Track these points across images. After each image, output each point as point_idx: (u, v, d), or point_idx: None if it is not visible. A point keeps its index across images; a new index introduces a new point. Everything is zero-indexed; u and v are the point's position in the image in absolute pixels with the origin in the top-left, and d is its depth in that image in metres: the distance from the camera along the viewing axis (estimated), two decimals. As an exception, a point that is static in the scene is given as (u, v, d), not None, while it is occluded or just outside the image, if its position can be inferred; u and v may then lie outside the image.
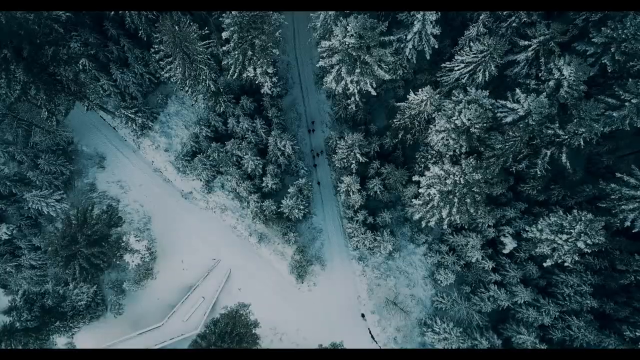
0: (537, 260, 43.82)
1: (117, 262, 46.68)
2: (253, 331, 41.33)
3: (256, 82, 42.35)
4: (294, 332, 48.49)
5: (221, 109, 46.47)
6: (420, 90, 37.14)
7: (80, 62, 42.54)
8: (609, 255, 42.58)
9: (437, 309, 47.81)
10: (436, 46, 37.78)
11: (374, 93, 38.37)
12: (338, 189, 47.35)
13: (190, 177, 50.51)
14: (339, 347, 42.99)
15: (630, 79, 34.03)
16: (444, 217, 37.89)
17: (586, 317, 42.44)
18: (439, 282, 46.67)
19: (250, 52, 37.47)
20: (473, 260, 45.17)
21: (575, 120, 34.13)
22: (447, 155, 39.01)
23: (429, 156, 42.17)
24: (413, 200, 41.02)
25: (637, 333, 38.42)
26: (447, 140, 37.22)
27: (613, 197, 37.40)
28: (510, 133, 35.74)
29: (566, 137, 34.98)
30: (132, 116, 47.34)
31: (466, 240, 45.18)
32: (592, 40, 35.03)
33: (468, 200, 36.63)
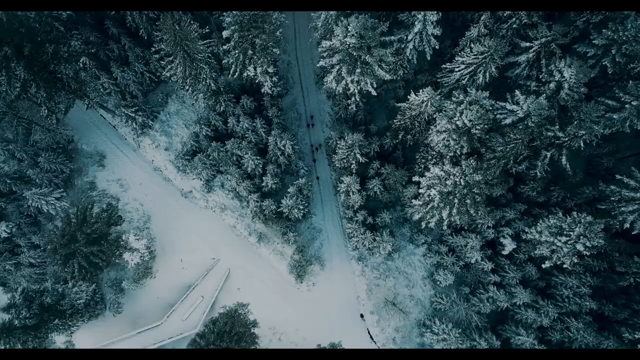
0: (536, 261, 43.82)
1: (117, 261, 46.64)
2: (252, 331, 41.33)
3: (256, 81, 42.34)
4: (292, 332, 48.50)
5: (221, 108, 46.46)
6: (421, 90, 37.15)
7: (80, 60, 42.49)
8: (608, 257, 42.58)
9: (436, 310, 47.82)
10: (437, 47, 37.77)
11: (374, 93, 38.37)
12: (338, 189, 47.34)
13: (190, 176, 50.51)
14: (338, 347, 42.99)
15: (630, 81, 34.10)
16: (444, 217, 37.87)
17: (585, 318, 42.43)
18: (438, 282, 46.68)
19: (250, 51, 37.45)
20: (472, 261, 45.17)
21: (575, 122, 34.15)
22: (448, 156, 39.01)
23: (429, 157, 42.16)
24: (413, 200, 41.01)
25: (636, 335, 38.43)
26: (448, 141, 37.20)
27: (613, 199, 37.41)
28: (512, 135, 35.74)
29: (566, 139, 34.98)
30: (133, 115, 47.31)
31: (465, 241, 45.19)
32: (593, 42, 35.10)
33: (468, 201, 36.63)
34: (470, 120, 34.36)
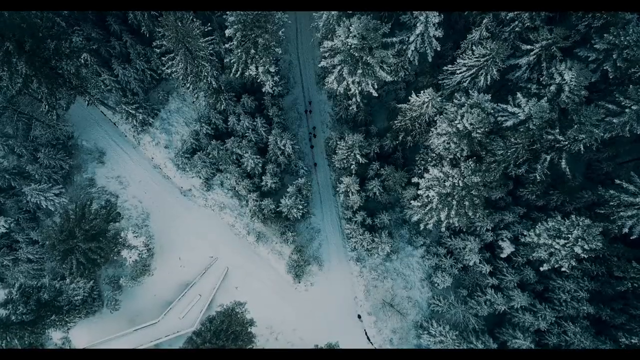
0: (534, 265, 43.82)
1: (115, 258, 46.61)
2: (249, 330, 41.26)
3: (258, 80, 42.34)
4: (290, 332, 48.44)
5: (222, 107, 46.45)
6: (422, 92, 37.19)
7: (82, 57, 42.42)
8: (607, 262, 42.57)
9: (433, 312, 47.78)
10: (438, 49, 37.80)
11: (375, 94, 38.40)
12: (337, 189, 47.33)
13: (189, 174, 50.47)
14: (335, 348, 42.92)
15: (631, 86, 34.08)
16: (442, 219, 37.88)
17: (582, 323, 42.41)
18: (436, 284, 46.65)
19: (253, 51, 37.45)
20: (470, 264, 45.17)
21: (575, 125, 34.16)
22: (448, 158, 39.03)
23: (429, 158, 42.19)
24: (412, 202, 41.00)
25: (632, 340, 38.39)
26: (448, 144, 37.23)
27: (612, 203, 37.41)
28: (512, 139, 35.73)
29: (566, 142, 34.99)
30: (133, 112, 47.31)
31: (464, 243, 45.18)
32: (594, 46, 35.07)
33: (466, 203, 36.63)
34: (471, 124, 34.35)
